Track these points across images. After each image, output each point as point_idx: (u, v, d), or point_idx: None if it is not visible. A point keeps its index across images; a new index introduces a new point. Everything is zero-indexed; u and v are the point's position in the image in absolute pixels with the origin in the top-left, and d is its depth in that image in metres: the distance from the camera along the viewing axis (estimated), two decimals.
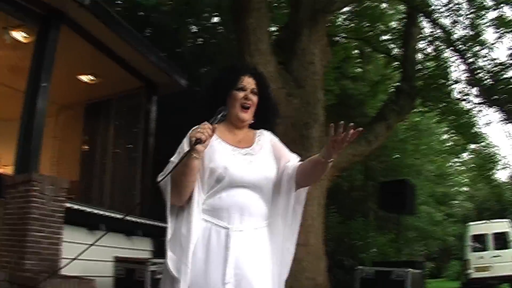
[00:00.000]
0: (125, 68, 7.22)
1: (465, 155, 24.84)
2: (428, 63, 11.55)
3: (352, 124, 1.88)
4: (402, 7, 14.37)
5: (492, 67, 10.27)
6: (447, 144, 22.03)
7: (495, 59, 10.33)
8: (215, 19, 13.77)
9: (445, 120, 12.89)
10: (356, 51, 15.93)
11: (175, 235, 1.96)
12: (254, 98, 2.23)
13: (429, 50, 11.62)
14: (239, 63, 3.66)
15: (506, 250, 15.73)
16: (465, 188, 32.04)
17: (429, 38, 11.53)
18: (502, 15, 10.19)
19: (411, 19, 10.99)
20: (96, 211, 5.86)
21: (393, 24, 14.40)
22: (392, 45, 13.43)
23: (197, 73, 10.44)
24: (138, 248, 6.60)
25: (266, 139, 2.26)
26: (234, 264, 1.93)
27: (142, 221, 6.64)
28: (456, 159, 28.16)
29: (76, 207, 5.52)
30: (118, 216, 6.03)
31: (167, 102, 8.04)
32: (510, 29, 10.03)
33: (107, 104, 7.88)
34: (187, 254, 1.90)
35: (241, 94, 2.18)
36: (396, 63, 13.19)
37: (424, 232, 19.87)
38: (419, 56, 11.53)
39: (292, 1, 8.95)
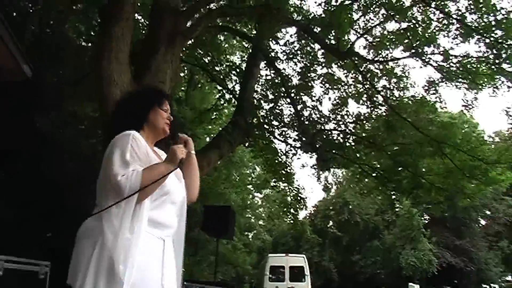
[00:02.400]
0: None
1: (267, 191, 26.63)
2: (263, 104, 12.41)
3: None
4: (237, 43, 15.12)
5: (316, 118, 11.51)
6: (255, 178, 23.50)
7: (320, 111, 11.62)
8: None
9: (261, 156, 13.82)
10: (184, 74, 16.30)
11: (117, 238, 2.01)
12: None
13: (264, 92, 12.48)
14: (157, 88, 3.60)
15: (301, 283, 17.24)
16: (261, 222, 34.24)
17: (262, 82, 12.45)
18: (331, 72, 11.55)
19: (253, 60, 11.64)
20: None
21: (230, 58, 15.07)
22: (227, 78, 14.01)
23: (36, 65, 9.70)
24: None
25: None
26: (168, 269, 2.17)
27: None
28: (258, 194, 30.07)
29: None
30: None
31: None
32: (335, 86, 11.38)
33: None
34: (133, 257, 2.00)
35: (165, 114, 2.49)
36: (229, 96, 13.85)
37: (225, 258, 20.86)
38: (255, 95, 12.26)
39: (153, 18, 8.94)
